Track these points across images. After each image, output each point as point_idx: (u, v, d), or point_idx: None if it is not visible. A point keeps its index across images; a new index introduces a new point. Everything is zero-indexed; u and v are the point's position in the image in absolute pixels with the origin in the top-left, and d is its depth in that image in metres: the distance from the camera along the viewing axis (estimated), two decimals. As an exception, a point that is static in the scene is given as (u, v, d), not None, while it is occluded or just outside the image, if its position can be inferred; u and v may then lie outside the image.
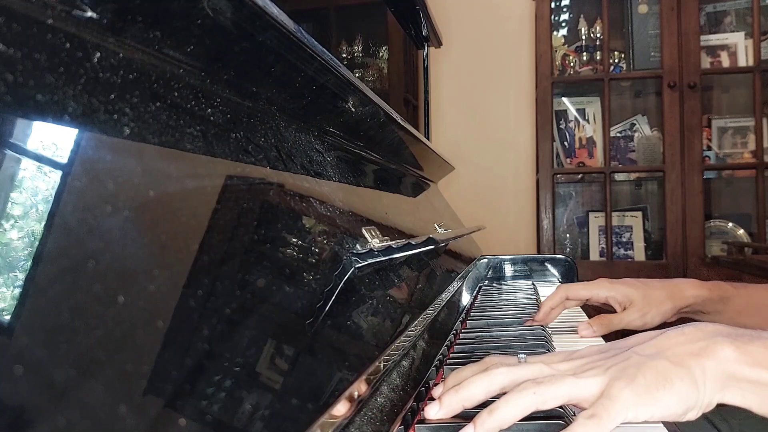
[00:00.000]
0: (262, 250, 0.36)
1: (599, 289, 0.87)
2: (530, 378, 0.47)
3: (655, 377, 0.44)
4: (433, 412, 0.47)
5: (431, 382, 0.58)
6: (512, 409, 0.44)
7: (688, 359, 0.45)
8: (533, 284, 1.29)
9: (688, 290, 0.84)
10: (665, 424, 0.51)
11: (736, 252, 2.05)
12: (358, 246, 0.50)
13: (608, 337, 0.77)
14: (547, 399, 0.44)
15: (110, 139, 0.27)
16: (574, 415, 0.48)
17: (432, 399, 0.49)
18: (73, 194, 0.23)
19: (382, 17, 1.35)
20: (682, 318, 0.80)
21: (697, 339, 0.46)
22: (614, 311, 0.87)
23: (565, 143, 2.32)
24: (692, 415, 0.45)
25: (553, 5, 2.22)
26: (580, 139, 2.32)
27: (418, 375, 0.55)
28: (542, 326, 0.84)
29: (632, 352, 0.47)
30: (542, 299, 1.11)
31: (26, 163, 0.22)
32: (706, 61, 2.16)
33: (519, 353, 0.52)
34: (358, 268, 0.46)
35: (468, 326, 0.88)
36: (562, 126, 2.32)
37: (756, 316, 0.83)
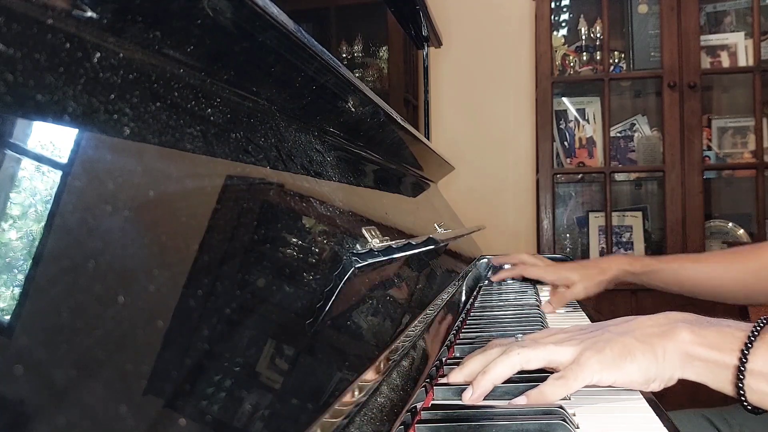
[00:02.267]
0: (262, 250, 0.36)
1: (546, 274, 1.14)
2: (519, 345, 0.56)
3: (620, 350, 0.53)
4: (468, 395, 0.55)
5: (432, 382, 0.58)
6: (501, 368, 0.54)
7: (652, 338, 0.54)
8: (533, 284, 1.29)
9: (614, 265, 1.08)
10: (665, 424, 0.51)
11: (736, 252, 2.05)
12: (358, 246, 0.50)
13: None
14: (530, 359, 0.55)
15: (110, 139, 0.27)
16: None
17: (440, 385, 0.57)
18: (73, 194, 0.23)
19: (382, 17, 1.35)
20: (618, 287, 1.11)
21: (661, 324, 0.56)
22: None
23: (565, 143, 2.32)
24: (654, 386, 0.54)
25: (553, 5, 2.22)
26: (580, 139, 2.32)
27: (418, 375, 0.55)
28: (542, 327, 0.84)
29: (605, 330, 0.57)
30: (542, 299, 1.12)
31: (26, 163, 0.22)
32: (706, 61, 2.16)
33: (517, 334, 0.62)
34: (358, 268, 0.46)
35: (468, 326, 0.88)
36: (562, 126, 2.32)
37: (681, 287, 1.03)
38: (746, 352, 0.51)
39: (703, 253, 1.05)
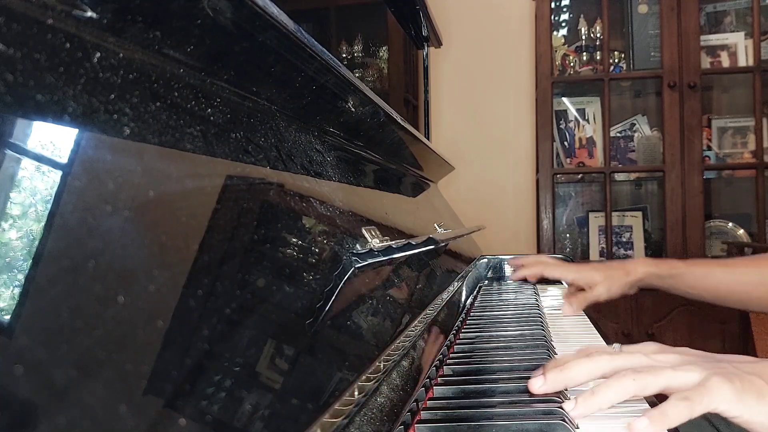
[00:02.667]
0: (262, 250, 0.36)
1: (568, 273, 1.09)
2: (630, 367, 0.51)
3: (750, 386, 0.48)
4: (537, 385, 0.52)
5: (432, 382, 0.58)
6: (612, 394, 0.49)
7: None
8: (533, 284, 1.28)
9: (640, 267, 1.03)
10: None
11: (736, 252, 2.05)
12: (358, 246, 0.50)
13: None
14: (647, 385, 0.49)
15: (110, 139, 0.27)
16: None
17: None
18: (73, 194, 0.23)
19: (382, 17, 1.35)
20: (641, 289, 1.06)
21: None
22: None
23: (565, 143, 2.32)
24: None
25: (553, 5, 2.22)
26: (580, 139, 2.32)
27: (418, 375, 0.55)
28: (542, 327, 0.84)
29: (729, 363, 0.52)
30: (542, 299, 1.12)
31: (26, 163, 0.22)
32: (706, 61, 2.16)
33: (613, 344, 0.57)
34: (358, 268, 0.46)
35: (468, 326, 0.88)
36: (562, 126, 2.32)
37: (708, 293, 0.98)
38: None
39: (730, 259, 0.99)
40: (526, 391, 0.55)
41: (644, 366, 0.51)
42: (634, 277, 1.03)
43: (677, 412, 0.46)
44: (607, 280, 1.03)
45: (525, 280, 1.27)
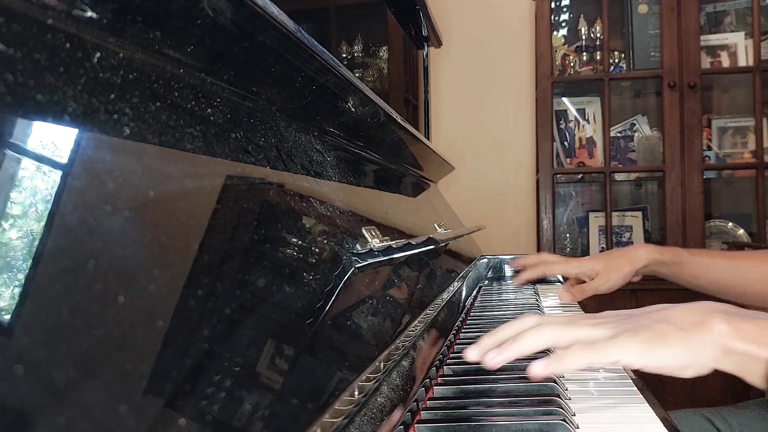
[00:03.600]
0: (262, 250, 0.36)
1: (570, 268, 1.08)
2: (553, 323, 0.55)
3: (657, 335, 0.52)
4: (473, 353, 0.54)
5: (432, 382, 0.58)
6: (532, 340, 0.53)
7: (688, 327, 0.53)
8: (533, 284, 1.29)
9: (644, 254, 1.02)
10: (664, 423, 0.51)
11: (736, 252, 2.05)
12: (358, 246, 0.50)
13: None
14: (563, 336, 0.53)
15: (110, 139, 0.27)
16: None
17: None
18: (73, 194, 0.23)
19: (382, 17, 1.35)
20: (645, 278, 1.05)
21: (698, 313, 0.55)
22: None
23: (565, 143, 2.32)
24: (688, 373, 0.53)
25: (553, 5, 2.22)
26: (580, 139, 2.32)
27: (418, 375, 0.55)
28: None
29: (643, 316, 0.56)
30: (542, 299, 1.12)
31: (26, 163, 0.22)
32: (706, 61, 2.16)
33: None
34: (358, 268, 0.46)
35: (468, 326, 0.88)
36: (562, 126, 2.32)
37: (710, 284, 0.98)
38: None
39: (733, 251, 1.00)
40: (527, 391, 0.55)
41: (564, 321, 0.55)
42: (639, 265, 1.02)
43: (575, 357, 0.50)
44: (607, 271, 1.02)
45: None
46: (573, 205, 2.40)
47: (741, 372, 0.52)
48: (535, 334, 0.53)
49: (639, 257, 1.02)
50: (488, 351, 0.54)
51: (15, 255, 0.21)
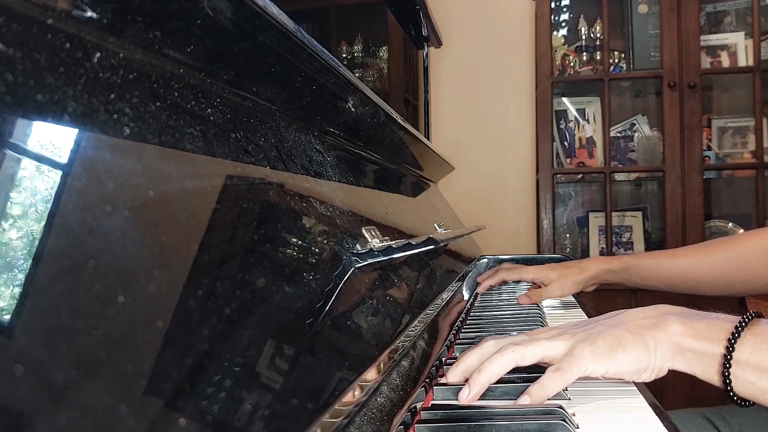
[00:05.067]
0: (262, 250, 0.36)
1: (526, 273, 1.15)
2: (514, 342, 0.57)
3: (612, 341, 0.54)
4: (465, 395, 0.55)
5: (432, 382, 0.58)
6: (496, 366, 0.55)
7: (643, 330, 0.55)
8: (533, 284, 1.28)
9: (593, 265, 1.11)
10: (664, 423, 0.51)
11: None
12: (358, 246, 0.50)
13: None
14: (525, 355, 0.55)
15: (110, 139, 0.27)
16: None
17: (441, 385, 0.57)
18: (73, 194, 0.23)
19: (382, 17, 1.35)
20: (597, 288, 1.13)
21: (652, 315, 0.57)
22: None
23: (565, 143, 2.32)
24: (645, 377, 0.55)
25: (553, 5, 2.22)
26: (580, 139, 2.32)
27: (418, 375, 0.55)
28: (542, 327, 0.85)
29: (598, 323, 0.58)
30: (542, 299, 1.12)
31: (26, 163, 0.22)
32: (706, 61, 2.16)
33: (512, 332, 0.64)
34: (358, 268, 0.46)
35: (468, 326, 0.88)
36: (562, 126, 2.32)
37: (660, 283, 1.05)
38: (733, 342, 0.52)
39: (679, 248, 1.05)
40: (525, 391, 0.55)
41: (524, 340, 0.58)
42: (588, 274, 1.10)
43: (552, 382, 0.53)
44: (561, 278, 1.10)
45: (521, 282, 1.28)
46: (573, 205, 2.40)
47: (696, 370, 0.54)
48: (498, 359, 0.55)
49: (589, 267, 1.11)
50: (455, 381, 0.57)
51: (15, 255, 0.21)
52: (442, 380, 0.58)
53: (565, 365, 0.53)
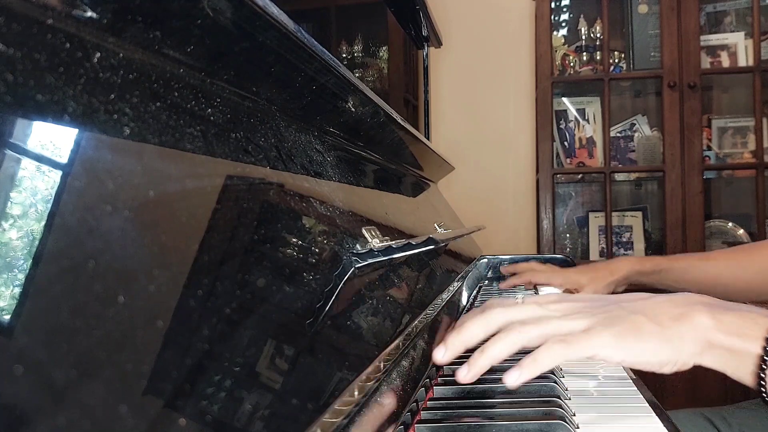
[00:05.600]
0: (262, 250, 0.36)
1: (554, 278, 1.13)
2: (520, 320, 0.51)
3: (632, 328, 0.49)
4: (440, 355, 0.51)
5: (431, 382, 0.58)
6: (500, 347, 0.49)
7: (666, 320, 0.50)
8: (533, 285, 1.29)
9: (624, 266, 1.08)
10: (664, 423, 0.51)
11: (736, 252, 2.05)
12: (358, 246, 0.50)
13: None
14: (533, 339, 0.49)
15: (110, 139, 0.27)
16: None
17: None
18: (73, 194, 0.23)
19: (382, 17, 1.35)
20: (627, 288, 1.09)
21: (678, 305, 0.51)
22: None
23: (565, 143, 2.32)
24: (667, 369, 0.50)
25: (553, 5, 2.22)
26: (580, 139, 2.32)
27: (418, 375, 0.55)
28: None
29: (618, 306, 0.52)
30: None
31: (26, 163, 0.22)
32: (706, 61, 2.16)
33: (517, 295, 0.55)
34: (358, 268, 0.46)
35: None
36: (562, 126, 2.32)
37: (691, 286, 1.00)
38: None
39: (711, 252, 1.03)
40: (527, 391, 0.55)
41: (533, 318, 0.51)
42: (619, 276, 1.07)
43: (549, 354, 0.47)
44: (592, 282, 1.07)
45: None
46: (573, 205, 2.40)
47: (727, 368, 0.50)
48: (503, 340, 0.49)
49: (619, 268, 1.08)
50: (455, 351, 0.51)
51: (15, 255, 0.21)
52: (441, 352, 0.52)
53: (573, 339, 0.48)
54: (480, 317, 0.53)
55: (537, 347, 0.49)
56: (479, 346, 0.51)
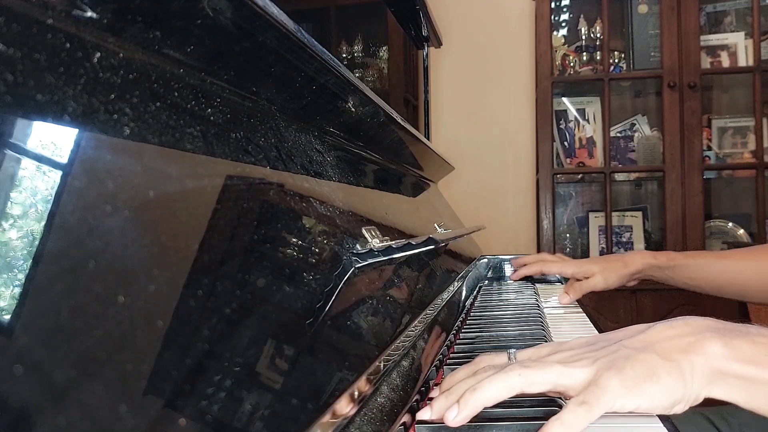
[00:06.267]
0: (262, 250, 0.36)
1: (566, 267, 1.12)
2: (520, 361, 0.48)
3: (643, 370, 0.45)
4: (426, 416, 0.47)
5: (431, 382, 0.58)
6: (497, 387, 0.44)
7: (677, 354, 0.46)
8: (533, 284, 1.29)
9: (639, 259, 1.06)
10: (664, 423, 0.51)
11: (736, 252, 2.05)
12: (358, 246, 0.50)
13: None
14: (533, 382, 0.45)
15: (110, 139, 0.27)
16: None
17: (431, 399, 0.49)
18: (73, 194, 0.23)
19: (382, 17, 1.35)
20: (640, 281, 1.09)
21: (685, 334, 0.48)
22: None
23: (565, 143, 2.32)
24: (679, 408, 0.46)
25: (553, 5, 2.22)
26: (580, 139, 2.32)
27: (418, 375, 0.55)
28: (542, 327, 0.84)
29: (620, 345, 0.48)
30: (542, 300, 1.12)
31: (26, 163, 0.22)
32: (706, 61, 2.16)
33: (510, 349, 0.52)
34: (358, 268, 0.46)
35: (468, 326, 0.88)
36: (562, 126, 2.32)
37: (706, 284, 1.00)
38: None
39: (727, 250, 1.02)
40: (525, 417, 0.54)
41: (533, 361, 0.48)
42: (633, 269, 1.05)
43: (575, 417, 0.43)
44: (604, 271, 1.06)
45: (525, 279, 1.28)
46: (573, 205, 2.40)
47: (739, 398, 0.46)
48: (500, 379, 0.45)
49: (634, 261, 1.06)
50: (440, 412, 0.46)
51: (15, 255, 0.21)
52: (427, 414, 0.47)
53: (591, 398, 0.43)
54: (469, 381, 0.47)
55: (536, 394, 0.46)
56: None
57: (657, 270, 1.05)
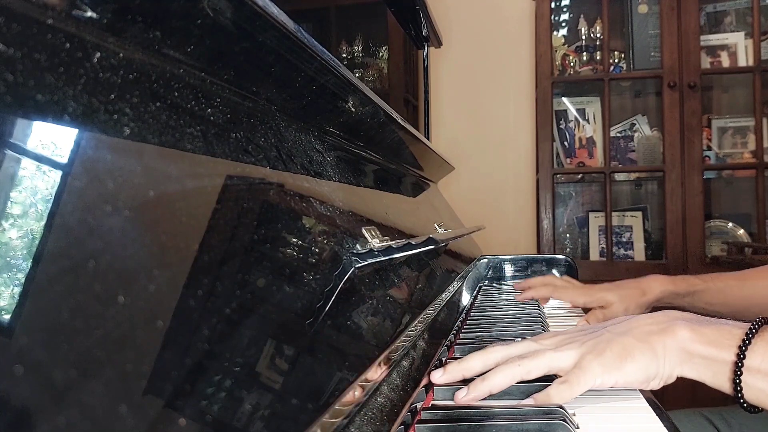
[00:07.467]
0: (262, 250, 0.36)
1: (578, 297, 1.04)
2: (519, 354, 0.57)
3: (620, 350, 0.54)
4: (438, 375, 0.57)
5: (432, 384, 0.58)
6: (501, 377, 0.54)
7: (651, 336, 0.54)
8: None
9: (656, 286, 1.01)
10: (665, 423, 0.51)
11: (736, 252, 2.05)
12: (358, 246, 0.50)
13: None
14: (531, 369, 0.55)
15: (110, 139, 0.27)
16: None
17: (441, 385, 0.57)
18: (73, 194, 0.23)
19: (382, 17, 1.35)
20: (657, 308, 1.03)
21: (660, 321, 0.56)
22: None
23: (565, 143, 2.32)
24: (654, 384, 0.54)
25: (553, 5, 2.22)
26: (580, 139, 2.32)
27: (418, 375, 0.55)
28: (542, 327, 0.85)
29: (605, 330, 0.57)
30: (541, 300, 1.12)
31: (26, 163, 0.22)
32: (706, 61, 2.16)
33: (517, 338, 0.64)
34: (359, 268, 0.46)
35: (468, 326, 0.88)
36: (562, 126, 2.32)
37: (727, 308, 0.97)
38: (744, 348, 0.51)
39: (744, 271, 0.97)
40: (527, 391, 0.55)
41: (530, 351, 0.57)
42: (652, 297, 1.00)
43: (558, 392, 0.53)
44: (623, 300, 0.99)
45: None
46: (573, 205, 2.40)
47: (705, 377, 0.53)
48: (503, 371, 0.54)
49: (651, 289, 1.00)
50: (453, 376, 0.57)
51: (15, 255, 0.21)
52: (439, 372, 0.57)
53: (572, 378, 0.53)
54: (480, 353, 0.58)
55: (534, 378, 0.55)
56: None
57: (676, 297, 1.00)
